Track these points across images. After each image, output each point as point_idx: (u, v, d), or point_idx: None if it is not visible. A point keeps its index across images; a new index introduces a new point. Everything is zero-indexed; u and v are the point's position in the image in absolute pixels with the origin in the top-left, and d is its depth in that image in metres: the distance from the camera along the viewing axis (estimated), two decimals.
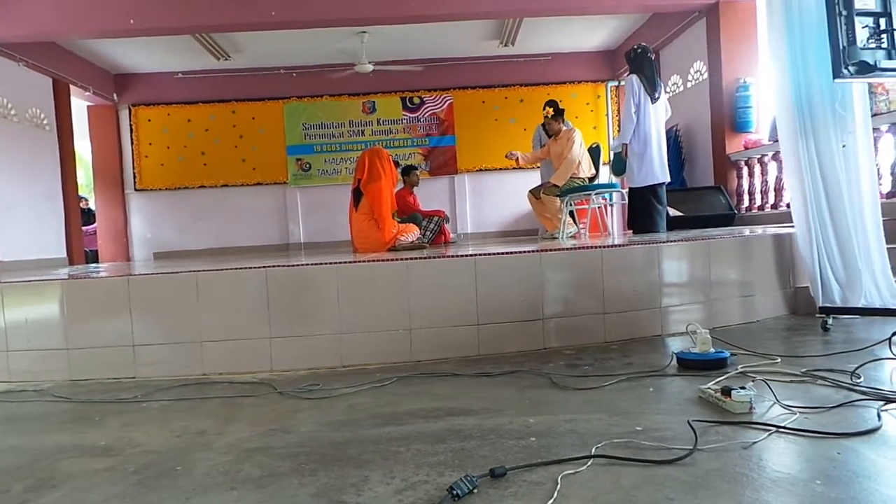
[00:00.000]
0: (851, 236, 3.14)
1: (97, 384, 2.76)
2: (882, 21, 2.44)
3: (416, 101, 9.51)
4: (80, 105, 8.91)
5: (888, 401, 1.80)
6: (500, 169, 9.45)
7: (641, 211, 5.23)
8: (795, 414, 1.74)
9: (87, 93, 8.60)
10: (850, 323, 3.15)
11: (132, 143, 9.42)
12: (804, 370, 2.19)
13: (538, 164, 7.14)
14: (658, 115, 5.14)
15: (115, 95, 9.30)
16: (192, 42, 7.94)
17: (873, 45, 2.43)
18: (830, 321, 3.02)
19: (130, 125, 9.42)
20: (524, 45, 8.87)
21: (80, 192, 9.17)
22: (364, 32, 7.93)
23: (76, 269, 4.98)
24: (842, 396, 1.89)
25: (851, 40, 2.39)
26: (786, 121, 3.21)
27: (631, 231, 5.42)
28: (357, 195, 4.70)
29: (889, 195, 4.37)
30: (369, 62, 8.26)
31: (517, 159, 5.98)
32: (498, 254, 3.10)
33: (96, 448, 1.84)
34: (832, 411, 1.76)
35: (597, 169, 5.74)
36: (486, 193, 9.56)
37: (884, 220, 3.22)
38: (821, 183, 3.16)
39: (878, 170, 4.21)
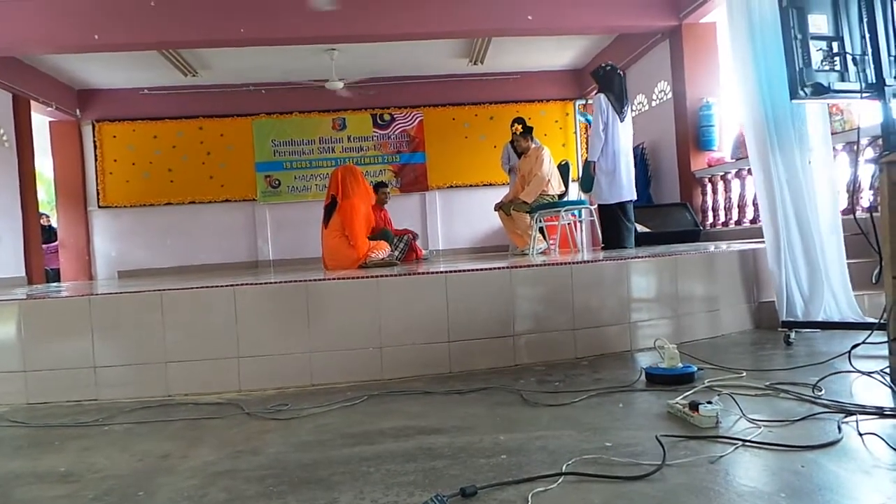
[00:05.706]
0: (816, 251, 3.22)
1: (56, 407, 2.66)
2: (835, 45, 2.53)
3: (387, 118, 9.54)
4: (41, 121, 8.69)
5: (848, 413, 1.84)
6: (471, 185, 9.53)
7: (611, 227, 5.32)
8: (760, 428, 1.77)
9: (50, 108, 8.40)
10: (812, 336, 3.23)
11: (96, 160, 9.23)
12: (768, 384, 2.24)
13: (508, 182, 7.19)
14: (626, 133, 5.24)
15: (78, 111, 9.11)
16: (158, 58, 7.84)
17: (827, 68, 2.51)
18: (793, 335, 3.09)
19: (94, 141, 9.23)
20: (493, 63, 8.98)
21: (42, 209, 8.93)
22: (334, 50, 7.94)
23: (35, 289, 4.83)
24: (804, 409, 1.93)
25: (807, 62, 2.46)
26: (754, 137, 3.29)
27: (602, 247, 5.49)
28: (328, 211, 4.68)
29: (845, 212, 4.51)
30: (339, 79, 8.26)
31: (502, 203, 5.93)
32: (468, 270, 3.11)
33: (54, 474, 1.77)
34: (795, 424, 1.80)
35: (566, 186, 5.80)
36: (457, 210, 9.60)
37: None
38: (788, 198, 3.24)
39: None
